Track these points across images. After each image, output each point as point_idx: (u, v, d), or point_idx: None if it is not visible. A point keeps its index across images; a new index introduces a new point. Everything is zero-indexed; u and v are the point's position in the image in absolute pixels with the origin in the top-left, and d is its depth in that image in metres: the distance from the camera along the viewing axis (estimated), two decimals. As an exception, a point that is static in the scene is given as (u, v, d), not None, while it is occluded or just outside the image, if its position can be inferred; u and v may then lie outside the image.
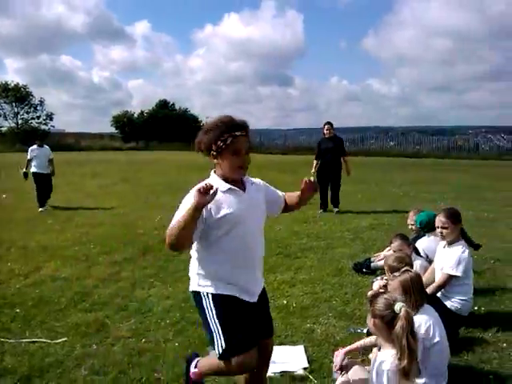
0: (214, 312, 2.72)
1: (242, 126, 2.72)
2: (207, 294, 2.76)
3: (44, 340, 4.16)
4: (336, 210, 10.30)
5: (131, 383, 3.49)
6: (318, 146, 10.56)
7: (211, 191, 2.42)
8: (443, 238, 4.50)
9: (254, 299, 2.83)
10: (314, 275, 5.90)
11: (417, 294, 3.35)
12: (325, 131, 10.46)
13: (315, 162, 10.42)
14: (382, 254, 5.90)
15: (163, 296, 5.24)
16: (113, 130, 46.42)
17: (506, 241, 7.59)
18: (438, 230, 4.49)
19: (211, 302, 2.74)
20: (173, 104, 48.58)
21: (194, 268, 2.87)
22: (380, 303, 2.72)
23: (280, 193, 3.11)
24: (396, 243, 4.86)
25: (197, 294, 2.85)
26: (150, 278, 5.85)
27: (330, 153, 10.23)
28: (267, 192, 3.00)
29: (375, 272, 5.75)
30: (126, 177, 17.11)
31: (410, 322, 2.60)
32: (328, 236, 7.88)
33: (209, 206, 2.54)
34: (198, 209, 2.46)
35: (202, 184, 2.45)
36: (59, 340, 4.17)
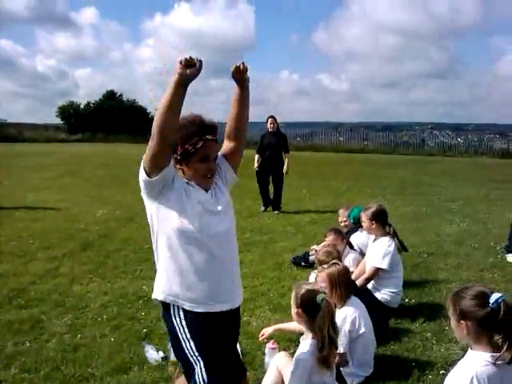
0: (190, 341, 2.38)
1: (213, 129, 2.42)
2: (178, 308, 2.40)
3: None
4: (276, 212, 9.80)
5: (64, 379, 3.47)
6: (261, 141, 10.13)
7: (197, 64, 2.13)
8: (369, 232, 4.75)
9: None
10: (255, 269, 6.01)
11: (343, 286, 3.50)
12: (268, 125, 9.99)
13: (257, 156, 10.08)
14: (317, 248, 6.06)
15: (101, 292, 5.20)
16: (58, 121, 45.09)
17: (441, 235, 7.95)
18: (365, 226, 4.74)
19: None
20: (120, 95, 47.65)
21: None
22: (303, 294, 2.83)
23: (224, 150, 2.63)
24: (330, 237, 5.03)
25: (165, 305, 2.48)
26: (89, 273, 5.79)
27: (272, 149, 9.87)
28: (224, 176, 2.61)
29: (313, 265, 5.90)
30: (71, 170, 16.73)
31: (330, 313, 2.72)
32: (271, 230, 8.01)
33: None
34: (181, 83, 2.13)
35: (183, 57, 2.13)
36: (-11, 338, 4.08)
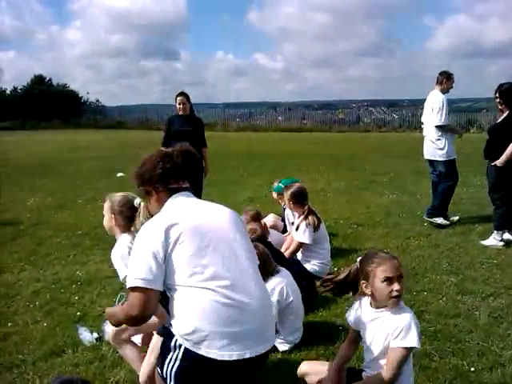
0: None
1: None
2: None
3: None
4: None
5: (-8, 369, 3.42)
6: (168, 126, 7.09)
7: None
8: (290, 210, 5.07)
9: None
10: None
11: (264, 264, 3.60)
12: (177, 105, 7.00)
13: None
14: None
15: (33, 279, 5.11)
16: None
17: (370, 207, 8.27)
18: (286, 205, 5.02)
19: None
20: (50, 79, 45.74)
21: None
22: (120, 201, 3.15)
23: None
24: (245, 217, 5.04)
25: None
26: (20, 262, 5.66)
27: (185, 138, 6.13)
28: None
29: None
30: (0, 159, 16.03)
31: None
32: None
33: None
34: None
35: None
36: None
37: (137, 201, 3.03)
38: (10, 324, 4.09)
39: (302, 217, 4.83)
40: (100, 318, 4.07)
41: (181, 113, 6.99)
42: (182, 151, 2.37)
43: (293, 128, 33.18)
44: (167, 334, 2.11)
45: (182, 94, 7.04)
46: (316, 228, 4.79)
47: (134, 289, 2.00)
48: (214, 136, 23.25)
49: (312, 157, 15.84)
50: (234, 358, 1.94)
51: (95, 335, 3.75)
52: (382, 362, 2.46)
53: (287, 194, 4.94)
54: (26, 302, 4.52)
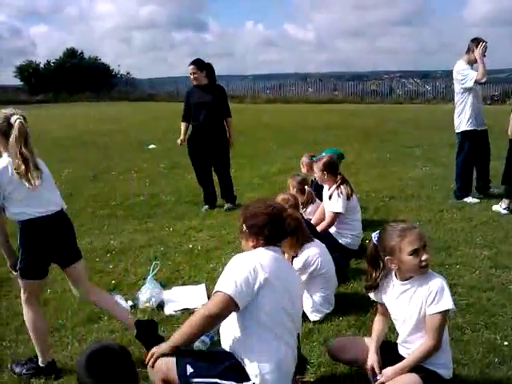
0: None
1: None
2: None
3: None
4: (228, 205, 6.75)
5: (34, 331, 3.55)
6: (187, 99, 6.64)
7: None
8: (322, 182, 5.00)
9: None
10: (221, 220, 6.12)
11: (298, 230, 3.60)
12: (191, 75, 6.41)
13: (183, 125, 6.72)
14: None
15: (69, 248, 5.24)
16: (17, 81, 43.49)
17: (402, 179, 8.16)
18: (317, 176, 4.98)
19: None
20: (82, 53, 46.12)
21: None
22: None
23: None
24: (293, 183, 5.19)
25: None
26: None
27: (205, 110, 6.40)
28: None
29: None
30: (33, 131, 16.29)
31: (22, 133, 2.91)
32: (237, 183, 8.05)
33: None
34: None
35: None
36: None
37: (13, 118, 2.91)
38: (49, 291, 4.23)
39: (334, 186, 4.80)
40: (134, 287, 4.18)
41: (194, 83, 6.47)
42: (294, 218, 2.73)
43: (323, 99, 32.74)
44: None
45: (193, 62, 6.39)
46: (349, 197, 4.76)
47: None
48: (244, 108, 23.19)
49: (343, 129, 15.65)
50: None
51: (130, 303, 3.86)
52: (419, 334, 2.46)
53: (319, 166, 4.88)
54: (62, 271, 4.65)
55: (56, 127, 17.57)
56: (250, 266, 2.33)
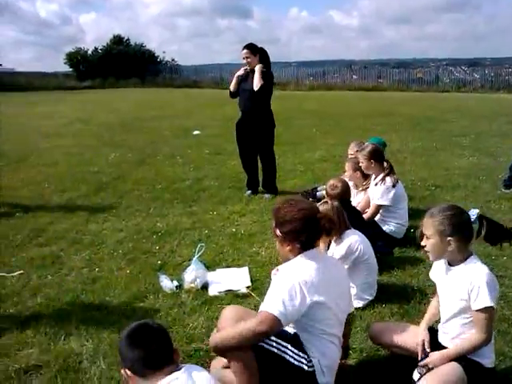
0: None
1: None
2: None
3: (1, 274, 4.30)
4: (267, 196, 6.63)
5: (85, 307, 3.70)
6: (238, 85, 6.53)
7: None
8: (367, 171, 4.97)
9: None
10: (264, 205, 6.16)
11: (338, 220, 3.61)
12: (244, 59, 6.32)
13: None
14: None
15: (116, 229, 5.41)
16: (67, 68, 44.63)
17: (449, 169, 7.99)
18: (362, 166, 4.94)
19: None
20: (128, 39, 46.84)
21: None
22: None
23: None
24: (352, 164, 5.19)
25: None
26: (103, 213, 5.99)
27: (249, 97, 6.32)
28: None
29: (320, 201, 6.01)
30: (82, 116, 16.78)
31: None
32: (280, 169, 8.06)
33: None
34: None
35: None
36: (16, 273, 4.32)
37: None
38: (96, 269, 4.38)
39: (382, 175, 4.74)
40: (180, 267, 4.28)
41: (247, 68, 6.35)
42: (328, 220, 2.52)
43: (368, 87, 32.21)
44: None
45: (246, 46, 6.30)
46: (394, 185, 4.71)
47: None
48: (287, 95, 23.10)
49: (388, 116, 15.39)
50: None
51: (175, 283, 3.95)
52: (457, 323, 2.46)
53: (364, 154, 4.82)
54: (111, 250, 4.81)
55: (103, 113, 17.97)
56: (296, 288, 2.31)
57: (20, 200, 6.61)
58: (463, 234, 2.42)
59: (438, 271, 2.63)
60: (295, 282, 2.33)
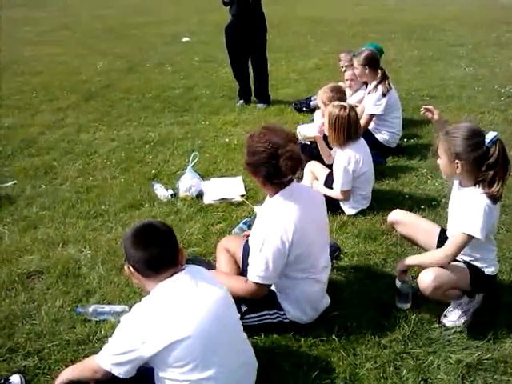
0: None
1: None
2: None
3: (-6, 184, 4.30)
4: (261, 105, 6.49)
5: (80, 215, 3.76)
6: None
7: None
8: (360, 78, 4.88)
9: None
10: (257, 115, 6.10)
11: (342, 131, 3.58)
12: None
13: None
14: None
15: (108, 139, 5.37)
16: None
17: (444, 78, 7.84)
18: (356, 72, 4.81)
19: None
20: None
21: None
22: None
23: None
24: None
25: None
26: (94, 122, 5.92)
27: (241, 0, 6.06)
28: None
29: (314, 110, 5.94)
30: (65, 22, 16.02)
31: None
32: (273, 77, 7.87)
33: None
34: None
35: None
36: (9, 183, 4.32)
37: None
38: (90, 179, 4.40)
39: (375, 82, 4.65)
40: (174, 176, 4.30)
41: None
42: (289, 158, 2.33)
43: (363, -7, 30.81)
44: None
45: None
46: (384, 94, 4.62)
47: None
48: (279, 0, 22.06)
49: (383, 24, 14.84)
50: None
51: (170, 191, 3.99)
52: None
53: (359, 60, 4.67)
54: (104, 160, 4.80)
55: (88, 18, 17.18)
56: (276, 244, 2.34)
57: (7, 110, 6.47)
58: (471, 159, 2.36)
59: (454, 185, 2.64)
60: (278, 244, 2.34)
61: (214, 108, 6.42)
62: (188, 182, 3.95)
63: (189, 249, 3.25)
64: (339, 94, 4.21)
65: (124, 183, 4.26)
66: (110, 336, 1.92)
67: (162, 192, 3.97)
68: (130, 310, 2.61)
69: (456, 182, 2.61)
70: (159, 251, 1.89)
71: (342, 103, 3.68)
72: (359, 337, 2.51)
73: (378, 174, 4.24)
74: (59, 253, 3.28)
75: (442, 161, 2.47)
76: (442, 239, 2.69)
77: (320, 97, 4.25)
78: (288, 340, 2.51)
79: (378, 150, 4.63)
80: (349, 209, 3.71)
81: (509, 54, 9.77)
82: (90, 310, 2.67)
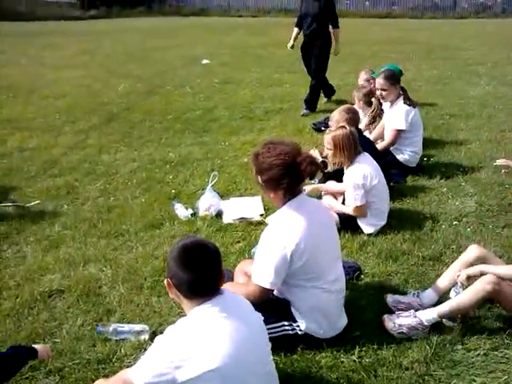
0: None
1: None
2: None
3: (18, 204, 4.37)
4: (304, 111, 7.17)
5: (101, 235, 3.79)
6: (300, 8, 7.29)
7: None
8: (383, 99, 4.78)
9: None
10: (275, 135, 6.12)
11: (348, 149, 3.61)
12: None
13: (295, 31, 7.38)
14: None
15: (129, 159, 5.44)
16: (70, -4, 43.24)
17: (463, 97, 7.82)
18: (378, 93, 4.76)
19: None
20: (133, -35, 45.09)
21: None
22: None
23: None
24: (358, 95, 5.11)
25: None
26: (115, 143, 6.00)
27: (312, 19, 6.93)
28: None
29: (333, 130, 5.96)
30: (88, 47, 16.40)
31: None
32: (292, 98, 7.97)
33: None
34: None
35: None
36: (32, 203, 4.39)
37: None
38: (112, 198, 4.45)
39: (398, 99, 4.66)
40: (194, 196, 4.33)
41: None
42: (310, 163, 2.38)
43: (381, 14, 30.98)
44: None
45: None
46: (415, 105, 4.67)
47: None
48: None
49: (402, 44, 14.91)
50: None
51: (190, 211, 4.01)
52: None
53: (381, 77, 4.71)
54: (125, 180, 4.86)
55: (109, 43, 17.56)
56: (280, 251, 2.36)
57: (31, 132, 6.61)
58: None
59: None
60: (282, 251, 2.37)
61: (234, 129, 6.48)
62: (208, 202, 3.98)
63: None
64: (353, 115, 4.24)
65: (145, 203, 4.30)
66: (130, 355, 1.92)
67: (182, 211, 4.00)
68: (149, 329, 2.65)
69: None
70: (207, 277, 1.84)
71: (342, 125, 3.75)
72: (380, 358, 2.47)
73: (398, 194, 4.24)
74: (80, 272, 3.31)
75: None
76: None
77: (335, 118, 4.26)
78: (308, 361, 2.48)
79: (399, 169, 4.63)
80: (366, 226, 3.69)
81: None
82: (111, 329, 2.68)
